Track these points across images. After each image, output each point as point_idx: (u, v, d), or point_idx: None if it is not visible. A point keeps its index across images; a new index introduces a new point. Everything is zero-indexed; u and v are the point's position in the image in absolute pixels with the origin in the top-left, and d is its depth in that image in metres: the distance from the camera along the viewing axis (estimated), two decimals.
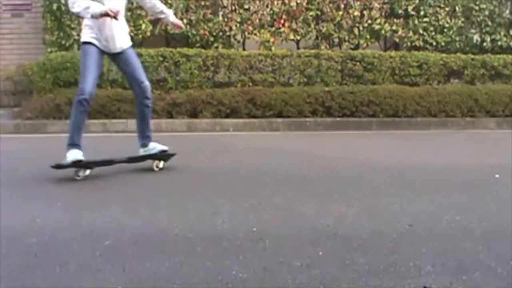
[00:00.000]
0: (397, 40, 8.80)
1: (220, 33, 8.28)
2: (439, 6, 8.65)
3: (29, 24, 9.06)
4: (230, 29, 8.24)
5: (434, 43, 8.68)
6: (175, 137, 6.83)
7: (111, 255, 2.38)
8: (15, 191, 3.68)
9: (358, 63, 8.08)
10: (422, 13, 8.60)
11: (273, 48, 8.20)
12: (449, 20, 8.66)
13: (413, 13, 8.60)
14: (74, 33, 8.09)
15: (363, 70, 8.09)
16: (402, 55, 8.29)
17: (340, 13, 8.30)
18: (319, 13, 8.34)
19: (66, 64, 7.67)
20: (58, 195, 3.54)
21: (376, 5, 8.41)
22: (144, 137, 4.50)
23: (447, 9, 8.67)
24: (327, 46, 8.42)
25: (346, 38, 8.45)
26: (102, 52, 4.31)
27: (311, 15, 8.27)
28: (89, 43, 4.23)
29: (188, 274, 2.16)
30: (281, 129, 7.45)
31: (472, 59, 8.42)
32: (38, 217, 3.00)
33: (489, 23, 8.78)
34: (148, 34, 8.23)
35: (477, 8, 8.71)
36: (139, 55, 7.76)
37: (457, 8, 8.68)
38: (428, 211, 3.20)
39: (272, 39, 8.22)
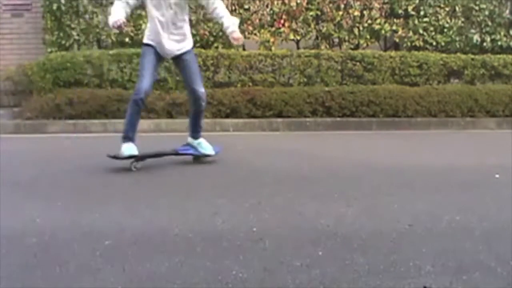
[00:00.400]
0: (397, 40, 8.80)
1: (220, 33, 8.27)
2: (439, 6, 8.64)
3: (29, 24, 9.06)
4: None
5: (434, 43, 8.67)
6: (175, 137, 6.82)
7: (111, 255, 2.38)
8: (15, 191, 3.67)
9: (358, 63, 8.08)
10: (422, 13, 8.60)
11: (273, 48, 8.20)
12: (449, 20, 8.66)
13: (413, 13, 8.59)
14: (74, 33, 8.09)
15: (363, 70, 8.09)
16: (402, 55, 8.29)
17: (340, 13, 8.30)
18: (319, 13, 8.34)
19: (66, 64, 7.68)
20: (58, 195, 3.54)
21: (376, 5, 8.40)
22: (195, 132, 4.75)
23: (447, 9, 8.67)
24: (327, 46, 8.42)
25: (346, 38, 8.45)
26: (159, 54, 4.47)
27: (311, 15, 8.26)
28: (147, 44, 4.45)
29: (188, 274, 2.16)
30: (281, 129, 7.45)
31: (472, 59, 8.41)
32: (38, 217, 3.00)
33: (489, 23, 8.78)
34: None
35: (477, 8, 8.71)
36: (139, 55, 7.82)
37: (457, 8, 8.68)
38: (428, 211, 3.20)
39: (272, 39, 8.22)
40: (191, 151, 4.75)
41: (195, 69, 4.58)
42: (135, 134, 4.47)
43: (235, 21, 4.43)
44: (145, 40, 4.48)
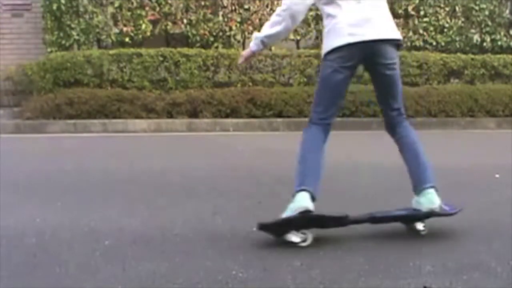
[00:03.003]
0: None
1: (220, 33, 8.28)
2: (439, 6, 8.65)
3: (29, 24, 9.06)
4: (230, 29, 8.24)
5: (434, 43, 8.68)
6: (175, 137, 6.83)
7: (111, 255, 2.38)
8: (15, 191, 3.67)
9: None
10: (422, 13, 8.60)
11: (273, 48, 8.20)
12: (449, 20, 8.67)
13: (413, 13, 8.60)
14: (74, 33, 8.10)
15: (363, 70, 8.08)
16: (402, 55, 8.28)
17: None
18: (319, 13, 8.32)
19: (66, 64, 7.68)
20: (58, 195, 3.54)
21: None
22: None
23: (447, 9, 8.67)
24: None
25: None
26: None
27: (311, 15, 8.27)
28: None
29: (188, 274, 2.16)
30: (281, 129, 7.45)
31: (472, 59, 8.42)
32: (38, 217, 3.00)
33: (489, 23, 8.78)
34: (148, 34, 8.23)
35: (477, 8, 8.72)
36: (139, 55, 7.83)
37: (457, 8, 8.69)
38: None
39: None
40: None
41: None
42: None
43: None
44: None
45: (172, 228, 2.79)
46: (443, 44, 8.70)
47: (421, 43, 8.64)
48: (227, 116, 7.55)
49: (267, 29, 2.85)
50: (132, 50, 7.89)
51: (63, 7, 8.03)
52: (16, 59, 8.63)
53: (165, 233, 2.71)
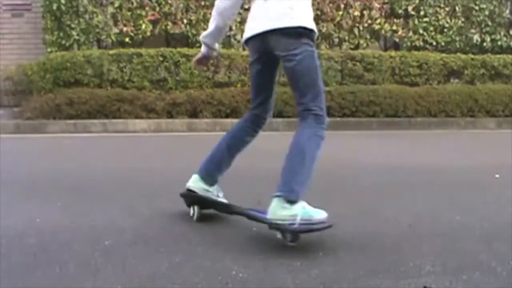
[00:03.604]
0: (397, 40, 8.80)
1: None
2: (439, 6, 8.66)
3: (29, 24, 9.07)
4: (230, 29, 8.24)
5: (434, 43, 8.69)
6: (175, 137, 6.83)
7: (111, 255, 2.38)
8: (15, 191, 3.67)
9: (358, 63, 8.09)
10: (422, 13, 8.61)
11: None
12: (449, 20, 8.67)
13: (413, 13, 8.61)
14: (74, 33, 8.10)
15: (363, 70, 8.09)
16: (402, 55, 8.30)
17: (340, 13, 8.31)
18: (319, 13, 8.35)
19: (66, 64, 7.68)
20: (58, 195, 3.54)
21: (376, 5, 8.41)
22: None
23: (447, 9, 8.68)
24: (327, 46, 8.43)
25: (346, 38, 8.46)
26: None
27: None
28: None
29: (188, 274, 2.16)
30: (281, 129, 7.44)
31: (472, 59, 8.43)
32: (38, 217, 3.00)
33: (489, 23, 8.79)
34: (148, 34, 8.23)
35: (477, 8, 8.73)
36: (139, 55, 7.83)
37: (457, 8, 8.70)
38: (428, 211, 3.20)
39: None
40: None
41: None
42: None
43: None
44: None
45: (172, 228, 2.79)
46: (443, 44, 8.71)
47: (421, 43, 8.65)
48: (227, 116, 7.55)
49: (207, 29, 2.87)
50: (132, 50, 7.90)
51: (63, 7, 8.03)
52: (16, 59, 8.63)
53: (165, 233, 2.71)
